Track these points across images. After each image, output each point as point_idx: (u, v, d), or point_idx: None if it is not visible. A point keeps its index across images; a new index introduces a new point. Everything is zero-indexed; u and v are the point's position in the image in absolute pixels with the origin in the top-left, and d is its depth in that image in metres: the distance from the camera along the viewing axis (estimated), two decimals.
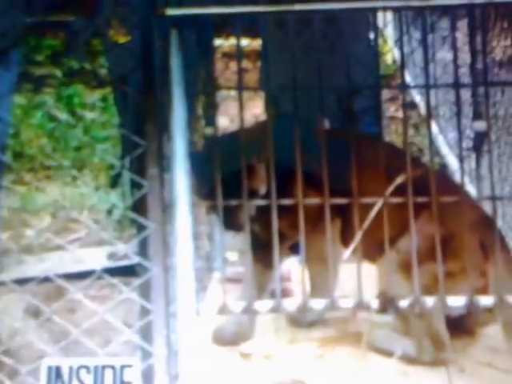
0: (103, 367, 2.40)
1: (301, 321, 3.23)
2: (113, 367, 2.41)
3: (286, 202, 2.52)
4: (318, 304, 2.46)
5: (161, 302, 2.46)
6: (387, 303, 2.44)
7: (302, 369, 2.98)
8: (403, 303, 2.44)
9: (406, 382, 2.86)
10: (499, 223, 3.22)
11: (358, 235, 2.56)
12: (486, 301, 2.45)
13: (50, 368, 2.39)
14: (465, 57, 3.88)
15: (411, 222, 2.46)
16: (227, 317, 3.22)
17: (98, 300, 3.26)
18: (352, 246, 2.60)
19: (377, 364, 2.95)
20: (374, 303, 2.45)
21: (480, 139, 3.48)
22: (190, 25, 2.55)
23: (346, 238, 2.91)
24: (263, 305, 2.50)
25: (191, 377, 2.50)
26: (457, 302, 2.46)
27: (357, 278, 2.44)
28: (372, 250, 2.81)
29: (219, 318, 3.24)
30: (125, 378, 2.40)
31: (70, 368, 2.40)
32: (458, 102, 2.53)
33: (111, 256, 3.93)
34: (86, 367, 2.40)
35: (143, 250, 2.48)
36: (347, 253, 2.70)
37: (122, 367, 2.41)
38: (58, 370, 2.40)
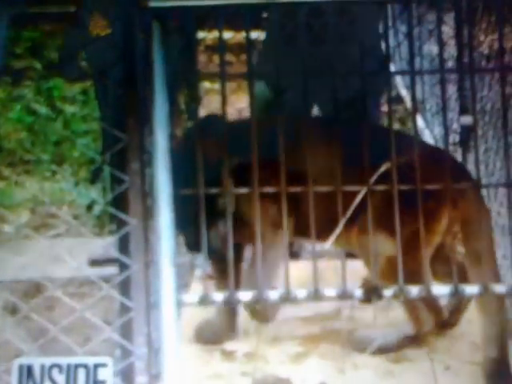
0: (76, 366, 2.32)
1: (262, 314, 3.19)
2: (86, 366, 2.33)
3: (269, 189, 2.47)
4: (301, 293, 2.42)
5: (141, 299, 2.42)
6: (371, 292, 2.41)
7: (286, 367, 2.95)
8: (387, 292, 2.41)
9: (391, 381, 2.83)
10: None
11: (341, 223, 2.53)
12: (471, 289, 2.43)
13: (21, 367, 2.31)
14: (452, 50, 3.86)
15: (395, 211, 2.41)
16: (209, 316, 3.18)
17: (77, 297, 3.21)
18: (334, 235, 2.57)
19: (361, 362, 2.92)
20: (358, 292, 2.41)
21: (466, 134, 3.46)
22: (173, 17, 2.51)
23: (299, 226, 2.86)
24: (244, 295, 2.45)
25: (172, 376, 2.46)
26: (441, 290, 2.42)
27: (341, 268, 2.41)
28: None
29: (200, 310, 3.22)
30: (99, 377, 2.32)
31: (42, 367, 2.31)
32: (443, 89, 2.49)
33: (93, 262, 3.88)
34: (59, 366, 2.32)
35: (123, 246, 2.43)
36: (329, 241, 2.68)
37: (96, 366, 2.33)
38: (29, 368, 2.31)
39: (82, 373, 2.31)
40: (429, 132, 4.99)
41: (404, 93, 5.75)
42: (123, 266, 2.43)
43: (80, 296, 3.39)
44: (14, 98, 5.77)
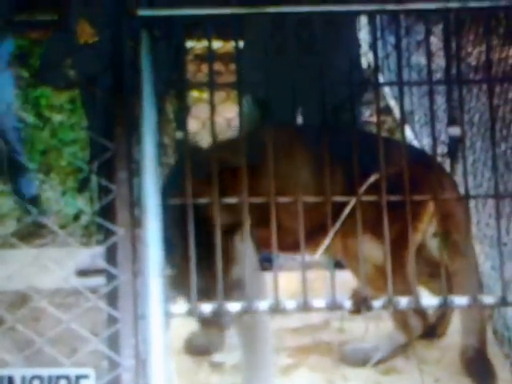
0: (58, 378, 2.29)
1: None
2: (68, 378, 2.30)
3: (256, 200, 2.45)
4: (290, 304, 2.41)
5: (129, 310, 2.40)
6: (360, 303, 2.40)
7: (276, 378, 2.93)
8: (376, 303, 2.40)
9: None
10: (473, 230, 3.20)
11: (331, 233, 2.53)
12: (460, 301, 2.42)
13: (1, 378, 2.28)
14: (440, 62, 3.86)
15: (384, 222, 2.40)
16: (198, 328, 3.17)
17: (63, 308, 3.18)
18: (324, 245, 2.57)
19: (351, 373, 2.92)
20: (347, 303, 2.41)
21: (455, 145, 3.46)
22: (161, 26, 2.51)
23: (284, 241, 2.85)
24: (233, 306, 2.43)
25: None
26: (431, 301, 2.45)
27: (329, 279, 2.40)
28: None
29: (189, 321, 3.20)
30: None
31: (23, 378, 2.28)
32: (431, 100, 2.49)
33: (80, 273, 3.85)
34: (40, 378, 2.29)
35: (111, 256, 2.41)
36: (319, 251, 2.68)
37: (78, 378, 2.31)
38: (10, 380, 2.28)
39: None
40: (417, 143, 5.00)
41: (392, 103, 5.75)
42: (110, 277, 2.41)
43: (66, 307, 3.36)
44: None
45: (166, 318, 2.47)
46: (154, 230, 2.43)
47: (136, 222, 2.42)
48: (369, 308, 2.41)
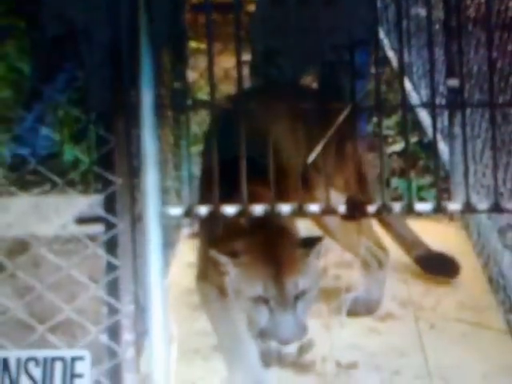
0: (53, 359, 2.28)
1: None
2: (63, 359, 2.28)
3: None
4: (284, 208, 2.43)
5: (128, 257, 2.42)
6: (355, 208, 2.42)
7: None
8: (371, 208, 2.43)
9: (376, 338, 2.86)
10: (470, 180, 3.21)
11: (320, 145, 2.55)
12: (453, 206, 2.49)
13: None
14: (439, 14, 3.85)
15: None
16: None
17: (62, 255, 3.20)
18: (314, 153, 2.60)
19: (347, 320, 2.95)
20: (342, 208, 2.43)
21: (453, 96, 3.46)
22: None
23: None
24: (230, 209, 2.45)
25: (159, 333, 2.48)
26: (424, 207, 2.46)
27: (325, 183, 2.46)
28: None
29: (188, 270, 3.21)
30: (76, 370, 2.28)
31: (18, 360, 2.27)
32: (430, 52, 2.51)
33: (79, 221, 3.87)
34: (35, 359, 2.27)
35: (109, 204, 2.43)
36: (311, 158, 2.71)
37: (73, 359, 2.29)
38: (5, 362, 2.27)
39: (58, 366, 2.28)
40: (416, 94, 5.00)
41: (391, 55, 5.74)
42: (109, 225, 2.43)
43: (66, 253, 3.39)
44: None
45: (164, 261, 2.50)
46: (152, 179, 2.45)
47: (134, 171, 2.44)
48: (363, 213, 2.43)
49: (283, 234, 2.58)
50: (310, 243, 2.55)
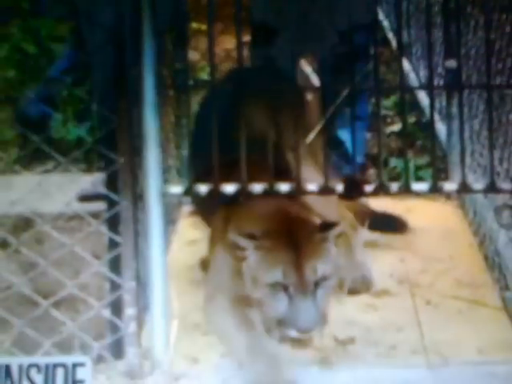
0: (54, 366, 2.31)
1: None
2: (64, 366, 2.31)
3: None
4: (283, 187, 2.48)
5: (130, 234, 2.46)
6: (352, 187, 2.44)
7: None
8: (368, 188, 2.47)
9: (373, 314, 2.90)
10: (467, 160, 3.25)
11: (317, 128, 2.60)
12: (448, 186, 2.56)
13: None
14: None
15: None
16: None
17: (66, 232, 3.25)
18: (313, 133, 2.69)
19: (345, 297, 2.98)
20: (340, 188, 2.46)
21: (451, 77, 3.49)
22: None
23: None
24: (229, 187, 2.49)
25: (159, 308, 2.52)
26: (421, 186, 2.54)
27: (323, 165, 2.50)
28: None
29: (188, 247, 3.24)
30: (77, 376, 2.31)
31: (20, 367, 2.30)
32: (429, 33, 2.55)
33: (82, 198, 3.90)
34: (37, 366, 2.30)
35: (112, 183, 2.47)
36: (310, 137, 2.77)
37: (74, 366, 2.31)
38: (7, 368, 2.30)
39: (60, 372, 2.30)
40: (414, 75, 5.02)
41: (390, 36, 5.74)
42: (111, 203, 2.47)
43: (69, 230, 3.43)
44: (1, 36, 5.73)
45: (164, 241, 2.55)
46: (153, 158, 2.49)
47: (136, 150, 2.48)
48: (360, 192, 2.46)
49: (301, 219, 2.54)
50: (328, 228, 2.50)
